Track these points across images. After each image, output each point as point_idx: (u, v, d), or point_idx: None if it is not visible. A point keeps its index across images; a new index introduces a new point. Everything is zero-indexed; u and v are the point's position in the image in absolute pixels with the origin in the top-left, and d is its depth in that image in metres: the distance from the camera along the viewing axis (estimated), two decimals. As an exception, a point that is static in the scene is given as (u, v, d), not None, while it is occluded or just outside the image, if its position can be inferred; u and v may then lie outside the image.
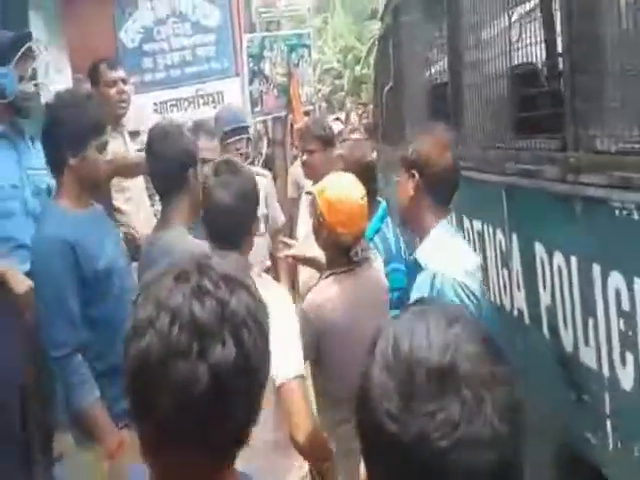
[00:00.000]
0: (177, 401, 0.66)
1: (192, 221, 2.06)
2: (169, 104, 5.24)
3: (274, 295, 1.55)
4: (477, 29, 2.66)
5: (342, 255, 2.08)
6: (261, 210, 2.99)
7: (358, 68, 19.02)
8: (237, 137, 3.27)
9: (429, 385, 0.55)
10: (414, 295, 1.82)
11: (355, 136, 2.76)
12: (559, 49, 2.18)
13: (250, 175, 1.79)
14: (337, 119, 7.22)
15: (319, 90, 12.59)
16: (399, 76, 4.11)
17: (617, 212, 1.58)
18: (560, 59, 2.16)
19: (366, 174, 2.44)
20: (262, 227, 3.10)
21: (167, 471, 0.70)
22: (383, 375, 0.57)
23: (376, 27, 17.49)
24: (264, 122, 6.93)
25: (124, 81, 3.06)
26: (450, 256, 1.86)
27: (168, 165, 2.03)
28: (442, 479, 0.55)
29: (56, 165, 1.96)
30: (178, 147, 2.04)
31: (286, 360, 1.52)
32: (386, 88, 4.29)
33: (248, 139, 3.53)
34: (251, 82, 5.83)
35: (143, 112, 4.56)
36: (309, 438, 1.51)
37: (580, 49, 1.84)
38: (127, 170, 2.73)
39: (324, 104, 11.18)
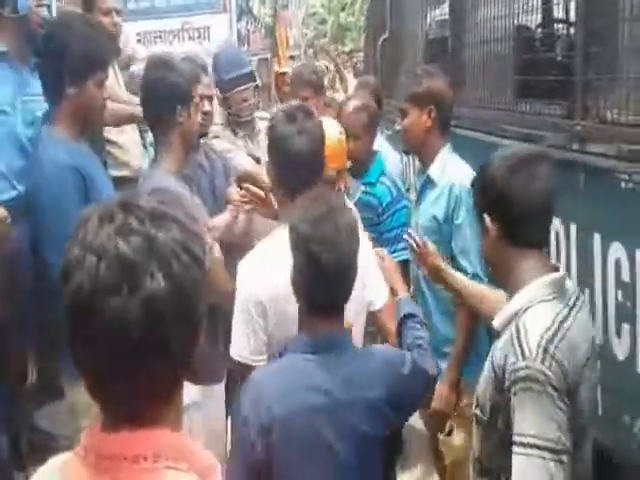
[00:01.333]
0: (113, 337, 0.69)
1: (184, 162, 1.96)
2: (153, 35, 5.01)
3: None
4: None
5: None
6: None
7: (343, 15, 18.48)
8: (243, 87, 2.74)
9: None
10: (430, 210, 2.02)
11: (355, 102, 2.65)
12: (573, 16, 2.14)
13: (319, 119, 1.69)
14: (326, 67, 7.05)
15: (305, 34, 12.20)
16: (395, 27, 4.00)
17: (623, 184, 1.59)
18: (573, 26, 2.12)
19: (377, 121, 2.60)
20: None
21: (112, 405, 0.73)
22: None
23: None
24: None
25: (118, 12, 2.89)
26: (461, 169, 2.03)
27: (154, 100, 1.90)
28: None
29: (53, 93, 1.84)
30: (165, 82, 1.87)
31: (379, 287, 1.63)
32: (381, 39, 4.18)
33: (256, 86, 2.99)
34: (239, 19, 5.60)
35: (126, 41, 4.35)
36: None
37: (595, 18, 1.81)
38: (121, 120, 2.65)
39: (310, 50, 10.91)
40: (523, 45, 2.38)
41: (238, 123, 2.75)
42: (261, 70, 6.44)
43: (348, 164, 2.20)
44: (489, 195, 1.30)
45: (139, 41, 4.76)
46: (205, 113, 2.45)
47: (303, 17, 16.34)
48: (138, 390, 0.71)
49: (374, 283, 1.61)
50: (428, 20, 3.55)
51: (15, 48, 2.26)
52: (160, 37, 4.99)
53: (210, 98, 2.53)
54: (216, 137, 2.67)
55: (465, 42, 2.86)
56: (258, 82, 2.91)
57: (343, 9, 18.51)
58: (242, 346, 1.48)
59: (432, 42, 3.40)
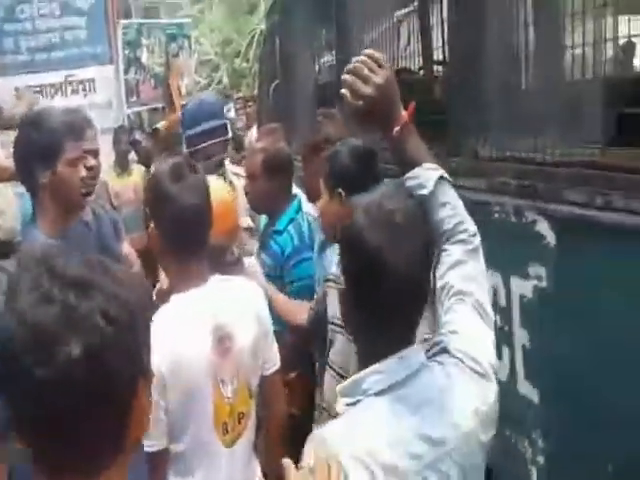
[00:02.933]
0: (32, 403, 0.69)
1: (62, 222, 1.80)
2: (33, 90, 4.81)
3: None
4: (364, 31, 2.74)
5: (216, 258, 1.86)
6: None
7: (237, 61, 18.79)
8: (208, 142, 2.49)
9: None
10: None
11: (255, 145, 2.61)
12: (442, 60, 2.31)
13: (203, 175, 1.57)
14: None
15: (198, 82, 12.24)
16: (286, 73, 4.12)
17: (496, 215, 1.71)
18: (443, 69, 2.28)
19: (289, 165, 2.43)
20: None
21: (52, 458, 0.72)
22: None
23: (255, 21, 17.48)
24: (139, 113, 6.61)
25: None
26: None
27: (19, 160, 1.80)
28: None
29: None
30: (28, 141, 1.77)
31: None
32: (273, 84, 4.28)
33: (227, 141, 2.70)
34: (127, 71, 5.52)
35: (3, 96, 4.15)
36: None
37: (461, 63, 1.96)
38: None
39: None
40: (404, 88, 2.52)
41: None
42: (154, 119, 6.37)
43: (246, 222, 2.08)
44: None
45: (18, 98, 4.57)
46: (90, 168, 2.36)
47: (195, 65, 16.47)
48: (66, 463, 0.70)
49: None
50: (317, 66, 3.69)
51: None
52: (41, 92, 4.81)
53: (95, 152, 2.45)
54: None
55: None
56: (229, 135, 2.66)
57: (237, 55, 18.81)
58: None
59: (322, 87, 3.52)
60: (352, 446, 0.98)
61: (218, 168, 2.57)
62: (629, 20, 1.62)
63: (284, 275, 2.35)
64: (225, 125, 2.65)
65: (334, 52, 3.30)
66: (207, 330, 1.44)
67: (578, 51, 1.45)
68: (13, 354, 0.69)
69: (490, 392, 1.08)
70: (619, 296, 1.29)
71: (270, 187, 2.46)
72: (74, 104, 4.68)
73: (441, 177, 1.22)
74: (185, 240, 1.46)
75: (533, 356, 1.54)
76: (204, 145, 2.53)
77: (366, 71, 1.19)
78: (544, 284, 1.49)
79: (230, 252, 1.98)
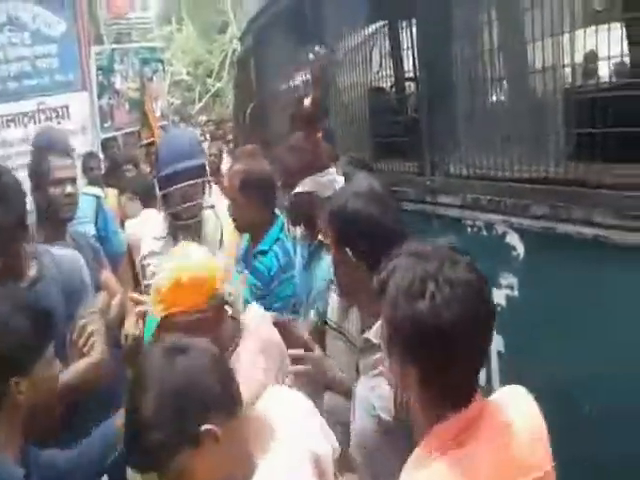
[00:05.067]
0: None
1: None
2: (6, 119, 4.80)
3: None
4: (341, 55, 2.83)
5: None
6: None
7: (210, 81, 18.87)
8: (183, 184, 2.25)
9: None
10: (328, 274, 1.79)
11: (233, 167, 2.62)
12: (413, 80, 2.41)
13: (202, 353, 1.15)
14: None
15: (171, 104, 12.30)
16: (262, 95, 4.19)
17: (469, 229, 1.80)
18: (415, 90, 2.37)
19: (269, 184, 2.37)
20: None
21: None
22: None
23: (227, 40, 17.56)
24: (115, 138, 6.64)
25: None
26: None
27: None
28: None
29: None
30: None
31: None
32: (249, 107, 4.35)
33: (203, 184, 2.39)
34: (100, 96, 5.55)
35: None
36: None
37: (431, 85, 2.06)
38: None
39: (177, 117, 10.95)
40: (379, 109, 2.60)
41: (178, 227, 2.37)
42: (128, 143, 6.40)
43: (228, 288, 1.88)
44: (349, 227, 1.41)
45: (-11, 126, 4.57)
46: (67, 195, 2.34)
47: (169, 85, 16.51)
48: None
49: None
50: (292, 86, 3.77)
51: None
52: (13, 120, 4.80)
53: (73, 180, 2.41)
54: (153, 253, 2.37)
55: (328, 107, 3.08)
56: (207, 178, 2.38)
57: (209, 75, 18.89)
58: None
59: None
60: None
61: (198, 213, 2.36)
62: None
63: (269, 294, 2.39)
64: (203, 165, 2.39)
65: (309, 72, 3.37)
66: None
67: (541, 71, 1.56)
68: None
69: None
70: (584, 301, 1.38)
71: (252, 207, 2.49)
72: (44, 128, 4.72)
73: None
74: None
75: (508, 361, 1.62)
76: (176, 187, 2.27)
77: None
78: (516, 293, 1.57)
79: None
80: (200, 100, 18.43)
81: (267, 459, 1.13)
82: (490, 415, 1.02)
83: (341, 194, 1.55)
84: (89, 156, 4.76)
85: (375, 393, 1.41)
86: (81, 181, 4.12)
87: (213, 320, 1.53)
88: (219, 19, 18.03)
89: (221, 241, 2.60)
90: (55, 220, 2.39)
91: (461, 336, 0.96)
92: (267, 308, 2.28)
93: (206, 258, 1.60)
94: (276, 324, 1.78)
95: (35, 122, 4.99)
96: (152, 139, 5.80)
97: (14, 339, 1.31)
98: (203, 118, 9.20)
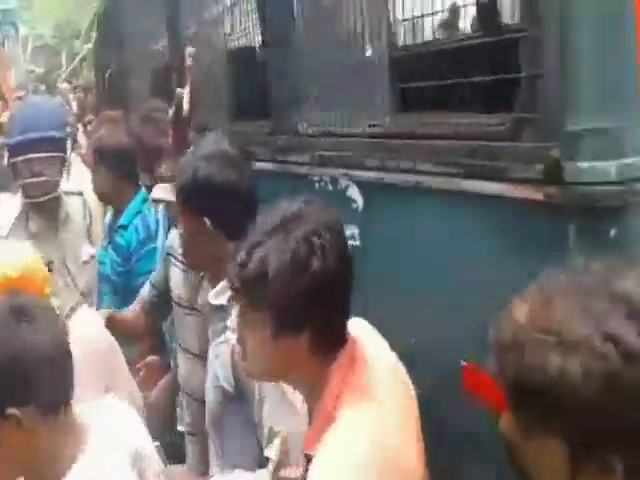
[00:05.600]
0: None
1: None
2: None
3: None
4: (196, 11, 2.76)
5: None
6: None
7: (77, 43, 17.59)
8: (31, 155, 2.10)
9: None
10: None
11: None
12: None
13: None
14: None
15: (32, 71, 11.30)
16: (120, 60, 4.00)
17: (317, 185, 1.87)
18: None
19: (127, 153, 2.31)
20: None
21: None
22: None
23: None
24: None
25: None
26: None
27: None
28: None
29: None
30: None
31: None
32: (108, 71, 4.14)
33: (59, 159, 2.25)
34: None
35: None
36: None
37: (279, 48, 2.08)
38: None
39: (42, 86, 10.09)
40: (237, 71, 2.59)
41: (30, 207, 2.20)
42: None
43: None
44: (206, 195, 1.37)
45: None
46: None
47: (29, 52, 15.16)
48: None
49: None
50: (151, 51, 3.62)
51: None
52: None
53: None
54: None
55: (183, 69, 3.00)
56: (65, 154, 2.19)
57: (77, 37, 17.59)
58: None
59: (155, 74, 3.46)
60: None
61: (51, 190, 2.20)
62: None
63: (131, 269, 2.36)
64: (58, 139, 2.18)
65: (167, 36, 3.27)
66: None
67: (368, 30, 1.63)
68: None
69: None
70: (416, 247, 1.50)
71: (109, 177, 2.43)
72: None
73: None
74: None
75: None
76: (24, 158, 2.10)
77: None
78: (358, 243, 1.68)
79: None
80: (68, 66, 17.17)
81: (83, 461, 1.10)
82: (362, 353, 1.10)
83: (191, 161, 1.51)
84: None
85: (219, 361, 1.44)
86: None
87: None
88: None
89: (89, 232, 2.49)
90: None
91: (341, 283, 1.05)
92: (128, 285, 2.27)
93: (35, 262, 1.49)
94: (110, 319, 1.77)
95: None
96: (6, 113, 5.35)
97: None
98: (66, 85, 8.55)
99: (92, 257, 2.37)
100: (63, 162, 2.23)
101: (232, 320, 1.31)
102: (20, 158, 2.13)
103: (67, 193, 2.37)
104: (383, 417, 1.03)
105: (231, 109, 2.48)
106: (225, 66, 2.54)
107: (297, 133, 2.03)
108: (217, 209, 1.43)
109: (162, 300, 1.93)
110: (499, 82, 1.26)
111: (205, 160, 1.49)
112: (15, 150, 2.15)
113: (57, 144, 2.19)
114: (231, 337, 1.32)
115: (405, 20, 1.64)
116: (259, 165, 2.14)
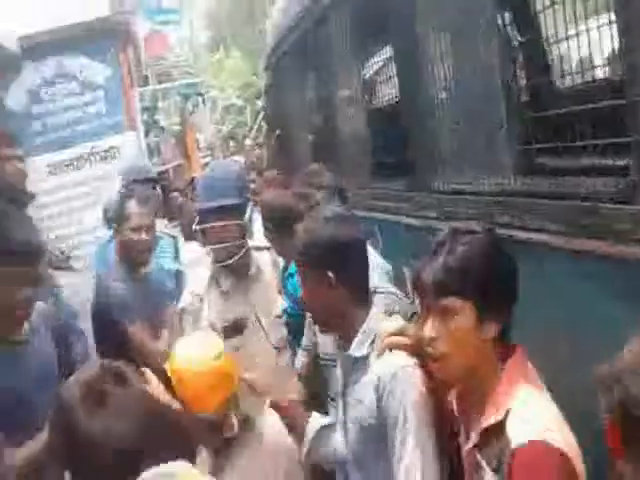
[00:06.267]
0: None
1: None
2: (64, 164, 5.30)
3: None
4: (337, 89, 2.99)
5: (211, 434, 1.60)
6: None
7: (259, 102, 19.37)
8: (214, 223, 2.14)
9: None
10: None
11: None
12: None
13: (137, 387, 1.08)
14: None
15: (219, 131, 12.73)
16: (285, 125, 4.40)
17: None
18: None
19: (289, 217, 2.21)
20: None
21: None
22: None
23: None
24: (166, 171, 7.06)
25: (20, 159, 2.99)
26: None
27: None
28: None
29: None
30: None
31: None
32: (276, 133, 4.57)
33: (241, 225, 2.24)
34: (147, 134, 5.98)
35: (37, 175, 4.60)
36: None
37: (411, 113, 2.18)
38: None
39: (231, 143, 11.25)
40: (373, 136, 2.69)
41: (220, 267, 2.20)
42: (177, 176, 6.80)
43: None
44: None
45: (51, 172, 5.05)
46: (142, 241, 2.49)
47: (220, 113, 17.08)
48: None
49: None
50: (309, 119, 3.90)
51: None
52: (71, 165, 5.28)
53: (148, 227, 2.51)
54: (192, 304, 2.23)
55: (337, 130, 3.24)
56: (243, 221, 2.16)
57: (258, 97, 19.40)
58: None
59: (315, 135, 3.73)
60: None
61: (236, 252, 2.17)
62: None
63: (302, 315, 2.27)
64: (239, 206, 2.15)
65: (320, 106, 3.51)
66: None
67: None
68: None
69: None
70: (542, 303, 1.47)
71: (273, 233, 2.43)
72: (101, 172, 5.16)
73: None
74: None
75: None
76: (210, 226, 2.13)
77: None
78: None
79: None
80: (253, 121, 18.88)
81: None
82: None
83: (312, 222, 1.58)
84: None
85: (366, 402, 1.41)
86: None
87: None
88: (262, 40, 18.52)
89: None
90: (130, 262, 2.57)
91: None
92: (301, 328, 2.20)
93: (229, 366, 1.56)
94: (275, 407, 1.64)
95: (90, 164, 5.47)
96: (194, 175, 6.16)
97: None
98: (250, 142, 9.37)
99: (284, 311, 2.30)
100: (244, 227, 2.20)
101: None
102: (206, 226, 2.16)
103: (257, 248, 2.38)
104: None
105: (370, 169, 2.63)
106: (365, 129, 2.71)
107: (430, 191, 2.10)
108: (340, 264, 1.45)
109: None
110: (617, 145, 1.23)
111: (326, 221, 1.54)
112: (201, 217, 2.19)
113: (239, 211, 2.17)
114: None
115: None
116: (395, 218, 2.26)
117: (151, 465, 0.95)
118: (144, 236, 2.52)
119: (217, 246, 2.14)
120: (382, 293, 1.75)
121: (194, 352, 1.55)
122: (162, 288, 2.71)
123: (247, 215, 2.17)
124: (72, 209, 5.32)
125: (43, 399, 1.49)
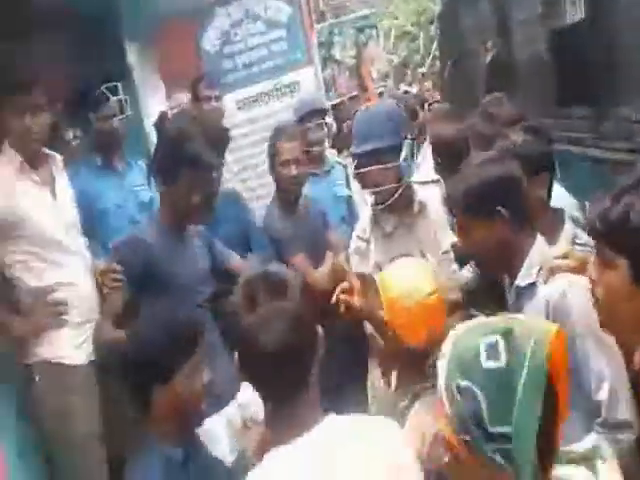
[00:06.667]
0: None
1: None
2: (251, 100, 5.74)
3: None
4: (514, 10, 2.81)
5: (413, 367, 1.52)
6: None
7: (432, 28, 18.56)
8: (370, 167, 2.02)
9: None
10: None
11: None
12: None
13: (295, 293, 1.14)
14: (406, 92, 7.30)
15: (392, 61, 12.54)
16: (459, 49, 4.27)
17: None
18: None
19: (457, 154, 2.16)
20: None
21: None
22: None
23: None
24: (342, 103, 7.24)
25: (217, 98, 3.32)
26: None
27: None
28: None
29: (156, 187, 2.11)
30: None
31: None
32: (450, 62, 4.45)
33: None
34: (323, 69, 6.19)
35: (227, 111, 5.07)
36: None
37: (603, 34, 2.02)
38: None
39: (407, 71, 10.90)
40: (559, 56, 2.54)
41: (381, 212, 2.14)
42: (352, 106, 6.94)
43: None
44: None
45: (239, 108, 5.51)
46: (294, 177, 2.57)
47: (393, 41, 16.70)
48: None
49: None
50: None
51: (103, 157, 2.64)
52: (257, 100, 5.71)
53: (297, 161, 2.54)
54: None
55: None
56: (398, 162, 2.03)
57: (431, 22, 18.54)
58: None
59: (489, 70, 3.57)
60: None
61: (393, 193, 2.07)
62: None
63: None
64: (394, 147, 2.04)
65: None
66: None
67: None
68: None
69: None
70: None
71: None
72: (284, 105, 5.51)
73: None
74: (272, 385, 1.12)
75: None
76: (366, 170, 2.05)
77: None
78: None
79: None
80: (426, 49, 18.18)
81: None
82: None
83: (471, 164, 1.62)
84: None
85: None
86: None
87: None
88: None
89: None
90: (285, 198, 2.62)
91: None
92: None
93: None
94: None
95: (274, 99, 5.87)
96: (369, 103, 6.25)
97: (154, 349, 1.35)
98: (421, 71, 9.11)
99: (452, 245, 2.16)
100: (399, 168, 2.08)
101: None
102: (361, 170, 2.08)
103: (423, 183, 2.32)
104: None
105: (555, 96, 2.51)
106: (547, 53, 2.56)
107: (621, 119, 1.99)
108: (508, 198, 1.48)
109: None
110: None
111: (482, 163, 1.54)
112: (357, 161, 2.11)
113: (394, 152, 2.05)
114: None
115: None
116: (579, 150, 2.17)
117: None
118: (293, 171, 2.50)
119: (374, 189, 2.09)
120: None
121: (411, 286, 1.52)
122: (319, 221, 2.68)
123: (404, 154, 2.06)
124: (258, 141, 5.80)
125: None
